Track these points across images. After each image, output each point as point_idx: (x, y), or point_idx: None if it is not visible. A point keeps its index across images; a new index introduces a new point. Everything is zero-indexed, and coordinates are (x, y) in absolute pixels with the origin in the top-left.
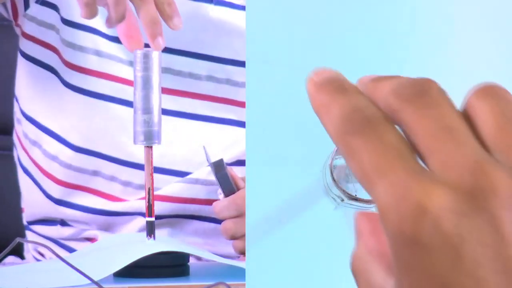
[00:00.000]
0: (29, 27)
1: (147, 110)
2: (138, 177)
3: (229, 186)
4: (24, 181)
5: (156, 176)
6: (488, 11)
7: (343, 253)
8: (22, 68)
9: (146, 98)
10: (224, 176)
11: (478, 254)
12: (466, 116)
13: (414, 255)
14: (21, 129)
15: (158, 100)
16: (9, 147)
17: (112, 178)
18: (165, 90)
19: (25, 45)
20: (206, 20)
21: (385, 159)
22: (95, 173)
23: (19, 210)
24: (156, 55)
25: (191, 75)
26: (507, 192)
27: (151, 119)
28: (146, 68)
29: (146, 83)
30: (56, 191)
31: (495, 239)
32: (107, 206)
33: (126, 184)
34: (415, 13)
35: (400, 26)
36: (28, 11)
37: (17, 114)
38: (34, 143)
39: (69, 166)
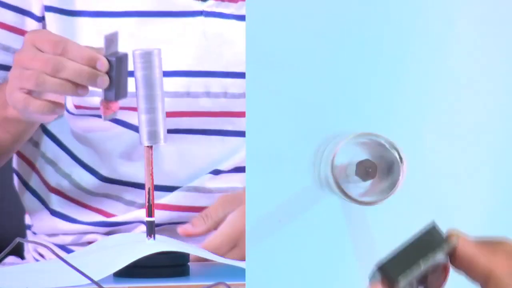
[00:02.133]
0: None
1: (151, 110)
2: (141, 196)
3: (120, 88)
4: (30, 202)
5: (156, 193)
6: (488, 11)
7: (342, 253)
8: None
9: (149, 98)
10: (119, 75)
11: None
12: None
13: None
14: (36, 152)
15: (161, 99)
16: None
17: (118, 199)
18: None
19: None
20: (197, 34)
21: None
22: (101, 194)
23: (19, 210)
24: (156, 54)
25: (188, 94)
26: None
27: (156, 118)
28: (147, 67)
29: (148, 82)
30: (61, 206)
31: None
32: (107, 219)
33: (130, 203)
34: (415, 13)
35: (400, 26)
36: None
37: (35, 137)
38: (50, 161)
39: (78, 186)
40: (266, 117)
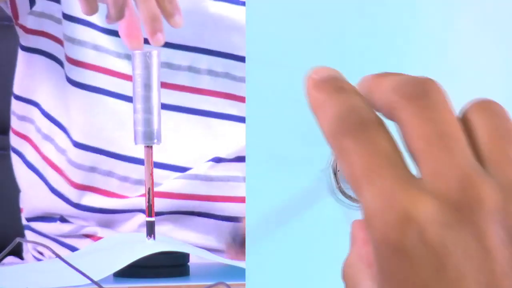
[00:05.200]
0: (35, 23)
1: (147, 110)
2: (135, 172)
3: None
4: (26, 177)
5: (155, 171)
6: (488, 11)
7: (343, 253)
8: (31, 63)
9: (146, 98)
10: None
11: (462, 266)
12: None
13: (397, 263)
14: (31, 126)
15: (157, 100)
16: (6, 147)
17: (109, 174)
18: (164, 85)
19: (32, 40)
20: (205, 16)
21: (375, 164)
22: (92, 169)
23: (18, 210)
24: (155, 54)
25: (190, 69)
26: (494, 206)
27: (151, 119)
28: (146, 67)
29: (146, 83)
30: (61, 185)
31: (480, 252)
32: (106, 203)
33: (123, 179)
34: (415, 13)
35: (400, 25)
36: (35, 8)
37: (23, 112)
38: (46, 137)
39: (71, 162)
40: (266, 117)
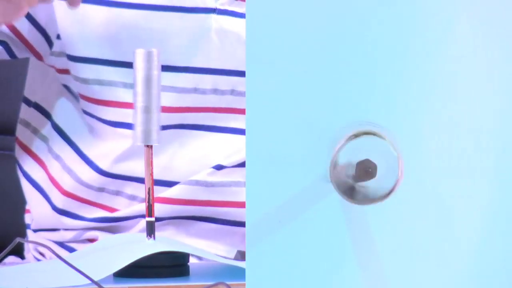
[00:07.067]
0: (60, 62)
1: (148, 109)
2: (143, 191)
3: None
4: (31, 194)
5: (158, 188)
6: (488, 11)
7: (343, 253)
8: (63, 97)
9: (147, 97)
10: None
11: None
12: None
13: None
14: (44, 146)
15: (158, 99)
16: (11, 147)
17: (117, 193)
18: (168, 109)
19: (65, 79)
20: (209, 32)
21: None
22: (100, 189)
23: (19, 210)
24: (155, 54)
25: (196, 90)
26: None
27: (151, 118)
28: (147, 67)
29: (147, 82)
30: (62, 202)
31: None
32: (110, 214)
33: (131, 198)
34: (415, 13)
35: (400, 26)
36: (54, 48)
37: (43, 131)
38: (57, 157)
39: (80, 181)
40: (267, 117)
